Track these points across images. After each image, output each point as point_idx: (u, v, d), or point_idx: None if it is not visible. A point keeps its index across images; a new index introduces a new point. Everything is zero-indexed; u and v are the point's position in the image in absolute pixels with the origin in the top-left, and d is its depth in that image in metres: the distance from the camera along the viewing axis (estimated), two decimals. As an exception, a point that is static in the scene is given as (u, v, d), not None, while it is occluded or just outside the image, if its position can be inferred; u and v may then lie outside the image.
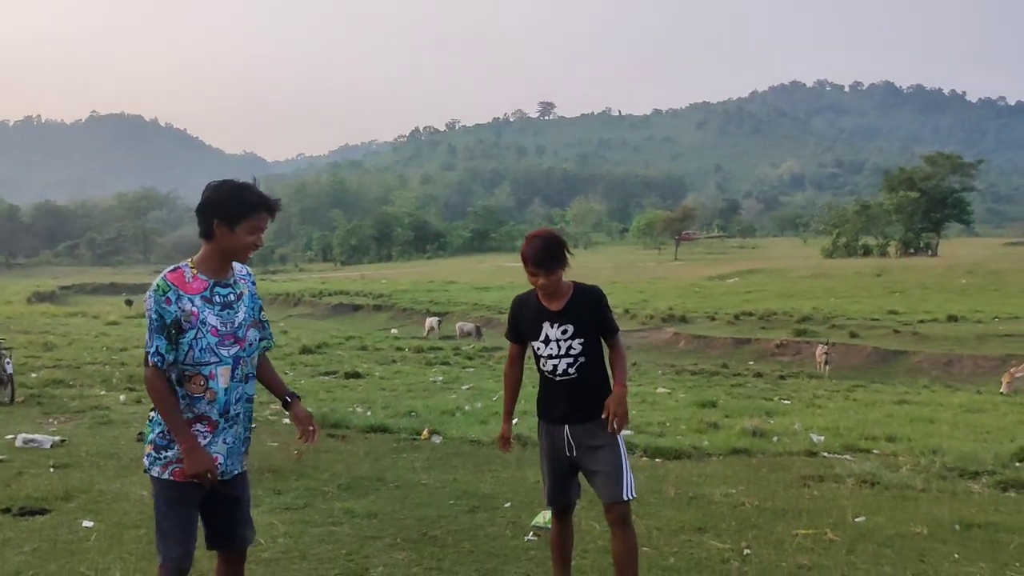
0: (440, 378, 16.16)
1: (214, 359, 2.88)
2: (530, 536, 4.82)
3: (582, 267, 56.98)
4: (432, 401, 12.00)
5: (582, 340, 3.51)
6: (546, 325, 3.54)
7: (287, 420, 9.48)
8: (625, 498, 3.47)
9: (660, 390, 14.21)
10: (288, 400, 3.21)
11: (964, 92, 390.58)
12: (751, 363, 23.76)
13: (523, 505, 5.48)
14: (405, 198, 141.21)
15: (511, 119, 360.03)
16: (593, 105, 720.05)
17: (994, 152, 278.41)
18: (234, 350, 2.93)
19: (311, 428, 3.19)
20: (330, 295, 48.22)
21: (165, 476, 2.90)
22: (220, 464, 2.95)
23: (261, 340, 3.11)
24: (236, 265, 3.05)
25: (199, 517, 3.02)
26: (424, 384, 15.01)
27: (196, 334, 2.85)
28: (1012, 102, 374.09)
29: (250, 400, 3.07)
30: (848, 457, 7.54)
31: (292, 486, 6.01)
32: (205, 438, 2.91)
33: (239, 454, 3.10)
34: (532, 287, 3.62)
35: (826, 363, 21.39)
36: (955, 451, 7.44)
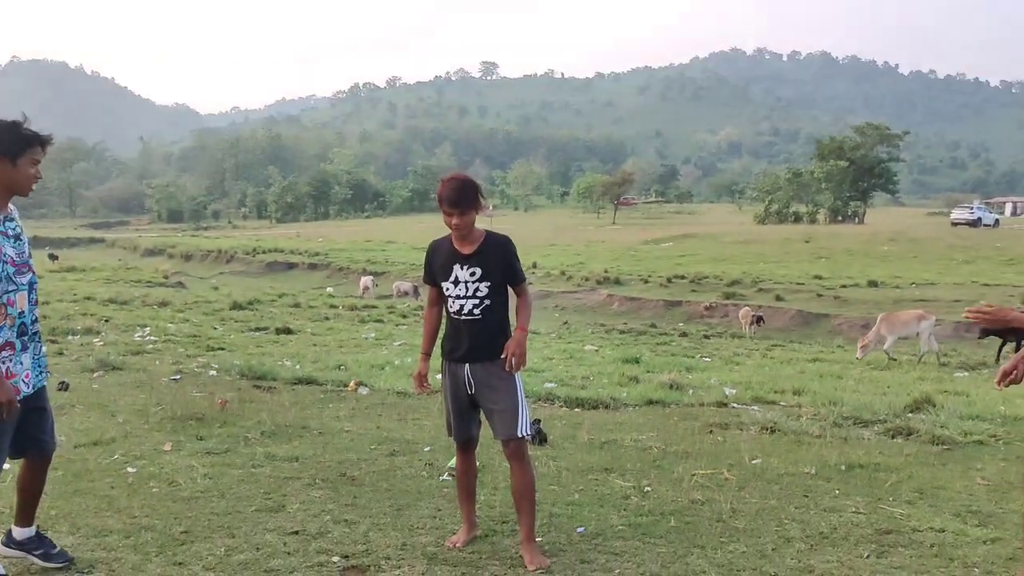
0: (372, 335, 16.24)
1: (12, 287, 3.15)
2: (445, 476, 5.03)
3: (522, 229, 57.58)
4: (363, 356, 12.09)
5: (488, 284, 3.71)
6: (456, 267, 3.74)
7: (213, 371, 9.54)
8: (519, 435, 3.70)
9: (587, 347, 14.56)
10: None
11: (897, 64, 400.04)
12: (680, 324, 24.37)
13: (442, 449, 5.68)
14: (343, 156, 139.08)
15: (453, 78, 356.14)
16: (536, 67, 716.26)
17: (923, 124, 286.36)
18: (28, 277, 3.24)
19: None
20: (264, 252, 47.59)
21: None
22: (30, 378, 3.26)
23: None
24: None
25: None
26: (356, 340, 15.07)
27: None
28: (941, 76, 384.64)
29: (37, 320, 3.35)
30: (755, 408, 7.95)
31: (215, 432, 6.11)
32: (9, 361, 3.17)
33: (43, 367, 3.39)
34: (447, 234, 3.83)
35: (751, 324, 22.05)
36: (853, 402, 7.90)
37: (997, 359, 14.21)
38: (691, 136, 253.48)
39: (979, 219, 55.18)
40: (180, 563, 3.53)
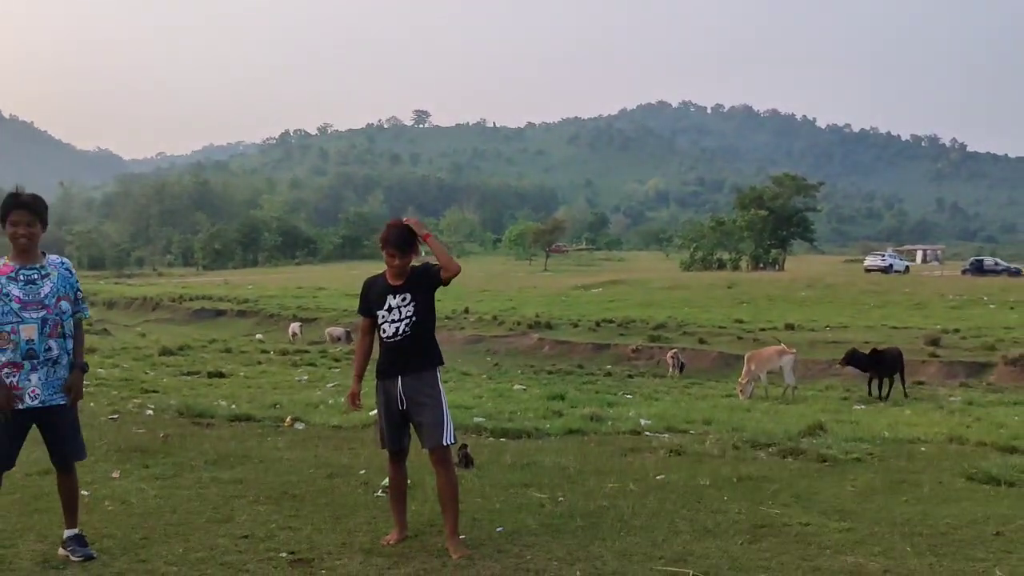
0: (305, 378, 16.56)
1: (16, 319, 3.91)
2: (379, 493, 5.54)
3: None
4: (297, 396, 12.47)
5: (415, 304, 4.36)
6: (389, 296, 4.37)
7: (149, 411, 9.82)
8: (445, 443, 4.29)
9: (516, 387, 15.17)
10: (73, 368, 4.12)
11: (814, 118, 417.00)
12: (608, 366, 25.17)
13: (377, 471, 6.17)
14: (273, 202, 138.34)
15: (385, 125, 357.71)
16: (468, 116, 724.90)
17: (840, 176, 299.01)
18: (41, 313, 3.96)
19: (70, 394, 4.07)
20: (191, 300, 46.98)
21: None
22: (38, 393, 3.95)
23: (75, 312, 4.15)
24: (52, 257, 4.13)
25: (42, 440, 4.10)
26: (289, 383, 15.40)
27: (0, 302, 3.90)
28: (856, 129, 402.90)
29: (66, 351, 4.05)
30: (666, 435, 8.65)
31: (160, 461, 6.49)
32: (13, 377, 3.90)
33: (56, 389, 4.01)
34: (380, 272, 4.49)
35: (675, 366, 22.95)
36: (754, 428, 8.68)
37: (868, 392, 15.34)
38: (620, 185, 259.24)
39: (890, 266, 58.04)
40: (143, 560, 3.98)
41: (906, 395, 15.30)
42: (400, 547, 4.28)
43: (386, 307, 4.37)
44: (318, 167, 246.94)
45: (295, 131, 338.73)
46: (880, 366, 15.25)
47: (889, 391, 15.27)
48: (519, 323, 32.52)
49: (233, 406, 10.55)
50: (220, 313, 42.73)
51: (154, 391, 12.58)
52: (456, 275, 4.41)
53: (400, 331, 4.34)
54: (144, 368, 16.99)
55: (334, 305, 40.75)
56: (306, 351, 24.37)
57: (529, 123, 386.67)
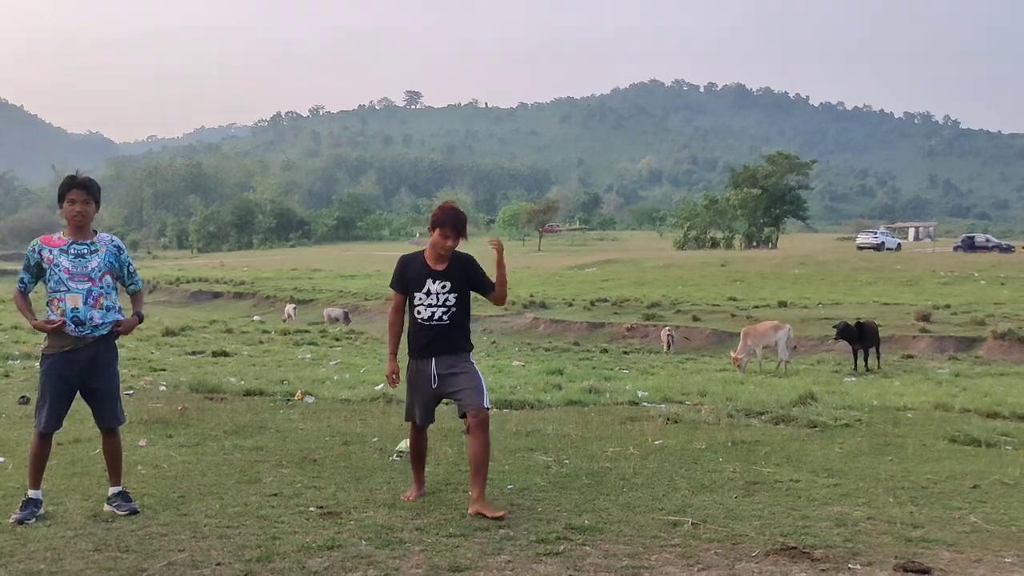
0: (309, 356, 16.85)
1: (63, 288, 4.31)
2: (394, 457, 5.88)
3: (447, 255, 57.33)
4: (302, 373, 12.78)
5: (456, 295, 4.58)
6: (429, 281, 4.55)
7: (163, 387, 10.12)
8: (485, 406, 4.55)
9: (515, 363, 15.51)
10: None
11: (808, 96, 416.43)
12: (604, 344, 25.54)
13: (389, 438, 6.52)
14: (267, 184, 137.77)
15: (377, 107, 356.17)
16: (460, 96, 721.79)
17: (833, 153, 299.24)
18: (86, 285, 4.34)
19: (119, 329, 4.52)
20: (188, 282, 47.21)
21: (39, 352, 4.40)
22: (78, 309, 4.31)
23: (129, 285, 4.64)
24: (104, 235, 4.53)
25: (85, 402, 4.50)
26: (293, 361, 15.69)
27: (51, 272, 4.33)
28: (849, 107, 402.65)
29: (110, 321, 4.43)
30: (663, 405, 8.99)
31: (182, 432, 6.81)
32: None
33: (102, 333, 4.41)
34: (418, 250, 4.77)
35: (669, 344, 23.32)
36: (747, 399, 9.03)
37: (855, 366, 15.71)
38: (613, 164, 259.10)
39: (882, 243, 58.46)
40: (185, 514, 4.31)
41: (879, 367, 15.67)
42: (419, 502, 4.61)
43: (425, 290, 4.56)
44: (311, 149, 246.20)
45: (287, 113, 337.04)
46: (863, 339, 15.65)
47: (878, 362, 15.66)
48: (513, 303, 32.80)
49: (243, 382, 10.85)
50: (217, 295, 42.97)
51: (163, 369, 12.88)
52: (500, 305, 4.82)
53: (437, 316, 4.54)
54: (149, 348, 17.26)
55: (330, 286, 41.08)
56: (306, 331, 24.63)
57: (521, 103, 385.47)
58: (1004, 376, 13.84)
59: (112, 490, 4.45)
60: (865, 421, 7.67)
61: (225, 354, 16.26)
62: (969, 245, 57.59)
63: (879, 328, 17.19)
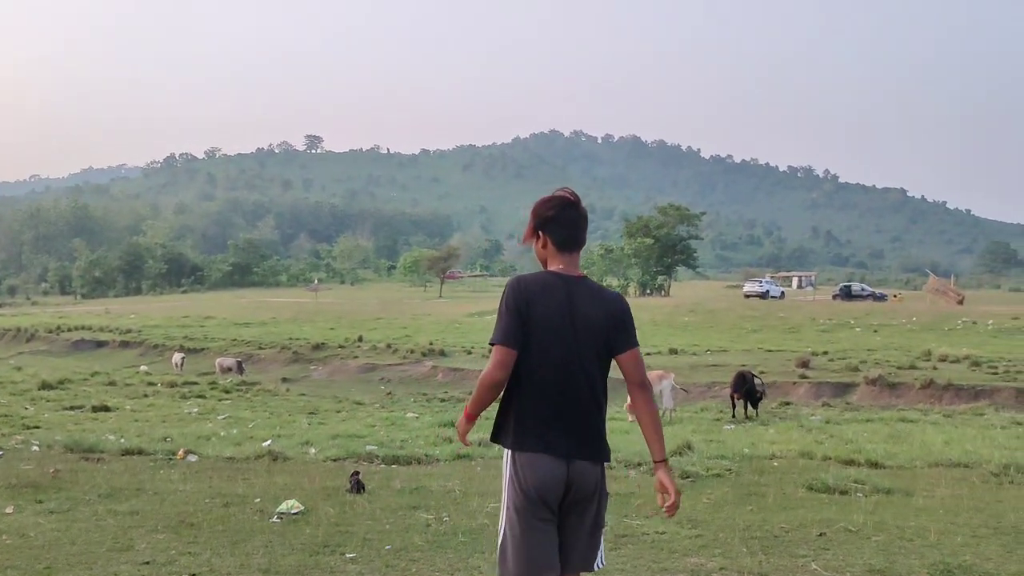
0: (195, 410, 16.44)
1: None
2: (274, 519, 5.88)
3: (349, 303, 57.41)
4: (187, 429, 12.50)
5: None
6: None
7: (35, 447, 9.75)
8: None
9: (409, 415, 15.54)
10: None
11: (699, 149, 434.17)
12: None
13: (271, 500, 6.51)
14: (158, 228, 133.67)
15: (276, 150, 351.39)
16: (362, 141, 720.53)
17: (723, 204, 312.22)
18: None
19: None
20: (70, 330, 45.07)
21: None
22: None
23: None
24: None
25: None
26: (179, 415, 15.29)
27: None
28: (738, 160, 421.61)
29: None
30: (548, 458, 9.23)
31: (53, 496, 6.61)
32: None
33: None
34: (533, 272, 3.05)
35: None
36: (628, 450, 9.36)
37: (733, 415, 16.41)
38: (515, 212, 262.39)
39: (767, 291, 61.22)
40: (50, 588, 4.24)
41: (757, 415, 16.28)
42: (297, 565, 4.66)
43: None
44: (206, 192, 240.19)
45: (181, 154, 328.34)
46: (744, 387, 16.37)
47: (756, 411, 16.40)
48: (413, 351, 32.77)
49: (122, 440, 10.54)
50: (101, 344, 41.16)
51: (36, 427, 12.36)
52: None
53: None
54: (23, 403, 16.50)
55: (222, 334, 39.97)
56: (195, 382, 23.95)
57: (423, 150, 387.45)
58: (869, 422, 14.72)
59: None
60: (735, 471, 8.10)
61: (106, 409, 15.71)
62: (846, 294, 60.95)
63: (762, 375, 18.01)
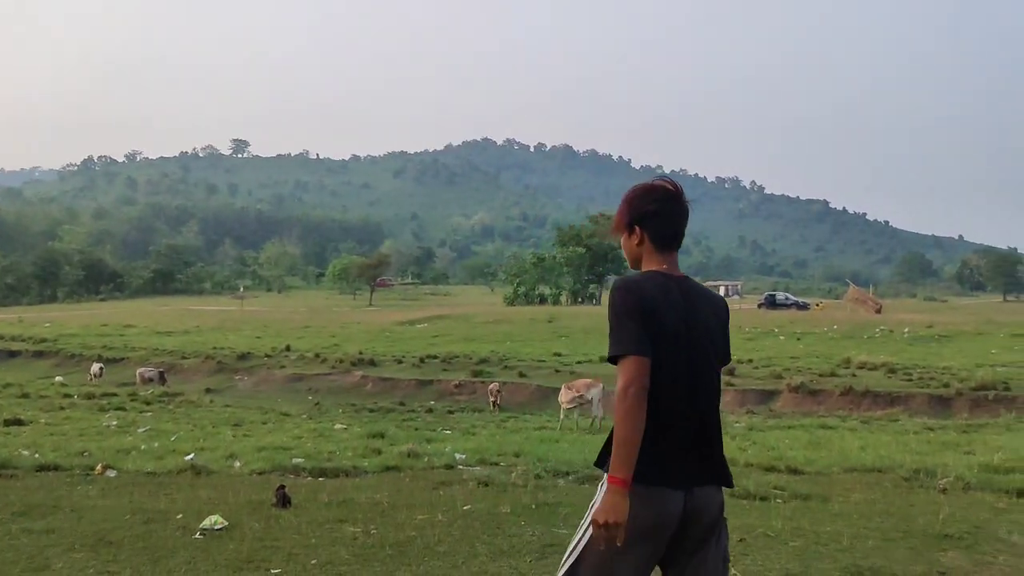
0: (114, 423, 15.95)
1: None
2: (197, 535, 5.77)
3: (276, 311, 56.46)
4: (106, 443, 12.13)
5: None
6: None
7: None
8: None
9: (337, 426, 15.38)
10: None
11: (630, 159, 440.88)
12: (432, 402, 25.67)
13: (194, 515, 6.37)
14: (75, 233, 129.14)
15: (201, 154, 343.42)
16: (290, 146, 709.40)
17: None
18: None
19: None
20: (-21, 340, 43.16)
21: None
22: None
23: None
24: None
25: None
26: (97, 428, 14.81)
27: None
28: (667, 170, 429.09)
29: None
30: (478, 468, 9.27)
31: (-38, 516, 6.34)
32: None
33: None
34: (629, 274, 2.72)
35: (496, 401, 23.80)
36: (557, 459, 9.47)
37: None
38: (446, 220, 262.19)
39: (694, 300, 62.45)
40: (-42, 612, 4.08)
41: None
42: (219, 584, 4.59)
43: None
44: (126, 196, 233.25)
45: (100, 157, 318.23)
46: None
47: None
48: (342, 360, 32.40)
49: (37, 455, 10.17)
50: (14, 354, 39.48)
51: (-56, 443, 11.81)
52: None
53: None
54: (-71, 418, 15.73)
55: (144, 344, 38.81)
56: (114, 394, 23.21)
57: (354, 156, 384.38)
58: (791, 428, 15.19)
59: None
60: (660, 478, 8.25)
61: (19, 422, 15.11)
62: (771, 303, 62.65)
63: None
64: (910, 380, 22.36)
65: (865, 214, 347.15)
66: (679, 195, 2.70)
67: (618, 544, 2.38)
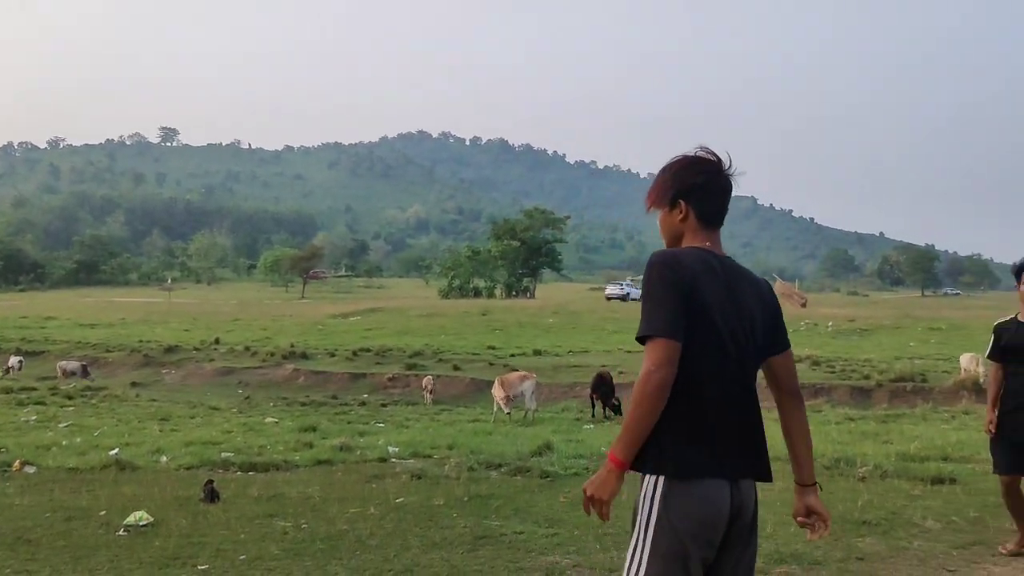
0: (34, 418, 15.40)
1: None
2: (121, 532, 5.63)
3: (205, 304, 55.31)
4: (24, 439, 11.71)
5: None
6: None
7: None
8: None
9: (268, 420, 15.14)
10: None
11: (564, 154, 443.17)
12: (365, 395, 25.45)
13: (118, 512, 6.22)
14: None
15: (128, 142, 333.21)
16: (221, 136, 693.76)
17: (587, 208, 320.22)
18: None
19: None
20: None
21: None
22: None
23: None
24: None
25: None
26: (15, 424, 14.28)
27: None
28: (601, 166, 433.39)
29: None
30: (411, 461, 9.25)
31: None
32: None
33: None
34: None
35: (431, 393, 23.73)
36: (490, 451, 9.51)
37: (592, 415, 16.94)
38: (381, 212, 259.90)
39: (628, 294, 63.29)
40: None
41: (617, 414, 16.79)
42: (144, 581, 4.50)
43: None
44: (48, 185, 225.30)
45: (20, 143, 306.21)
46: (602, 388, 16.92)
47: (616, 410, 16.92)
48: (273, 354, 31.85)
49: (-52, 453, 9.77)
50: (-76, 347, 37.80)
51: None
52: None
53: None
54: None
55: (65, 336, 37.52)
56: (34, 388, 22.39)
57: (287, 146, 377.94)
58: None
59: None
60: (592, 470, 8.36)
61: (-70, 418, 14.47)
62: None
63: (620, 375, 18.67)
64: (833, 372, 23.05)
65: (791, 211, 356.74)
66: (726, 168, 2.55)
67: (605, 520, 2.30)
